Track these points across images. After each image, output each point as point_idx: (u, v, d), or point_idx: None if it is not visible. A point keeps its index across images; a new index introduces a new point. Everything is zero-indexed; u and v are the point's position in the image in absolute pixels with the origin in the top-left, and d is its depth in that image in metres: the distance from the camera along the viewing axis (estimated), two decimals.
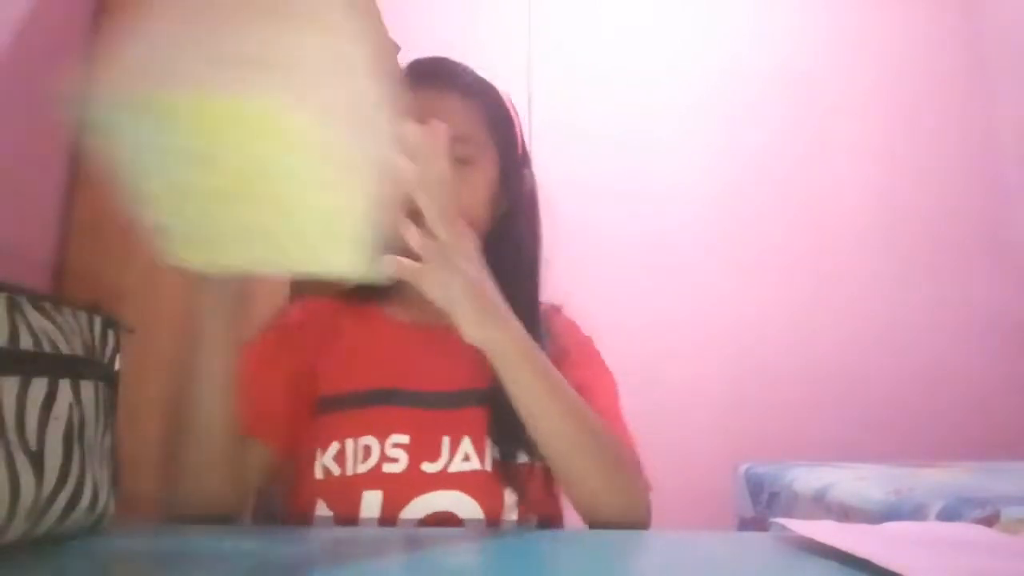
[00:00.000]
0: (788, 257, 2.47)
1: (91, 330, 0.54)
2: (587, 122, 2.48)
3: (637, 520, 0.71)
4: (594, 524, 0.70)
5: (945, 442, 2.25)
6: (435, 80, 0.85)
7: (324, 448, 0.75)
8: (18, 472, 0.45)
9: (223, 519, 0.70)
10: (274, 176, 0.46)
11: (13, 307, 0.47)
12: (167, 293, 1.16)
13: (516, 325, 0.69)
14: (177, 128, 0.43)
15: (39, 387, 0.48)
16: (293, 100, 0.43)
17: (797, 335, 2.41)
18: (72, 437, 0.50)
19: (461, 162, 0.81)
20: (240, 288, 0.67)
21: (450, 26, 2.46)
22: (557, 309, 0.92)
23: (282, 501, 0.86)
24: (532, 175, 0.92)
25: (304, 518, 0.75)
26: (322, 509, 0.74)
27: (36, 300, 0.49)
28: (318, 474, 0.75)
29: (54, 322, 0.50)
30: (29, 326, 0.48)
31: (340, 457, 0.74)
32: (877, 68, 2.63)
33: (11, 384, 0.46)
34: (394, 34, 1.92)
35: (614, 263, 2.39)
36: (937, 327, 2.44)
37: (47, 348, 0.49)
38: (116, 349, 0.57)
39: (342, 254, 0.50)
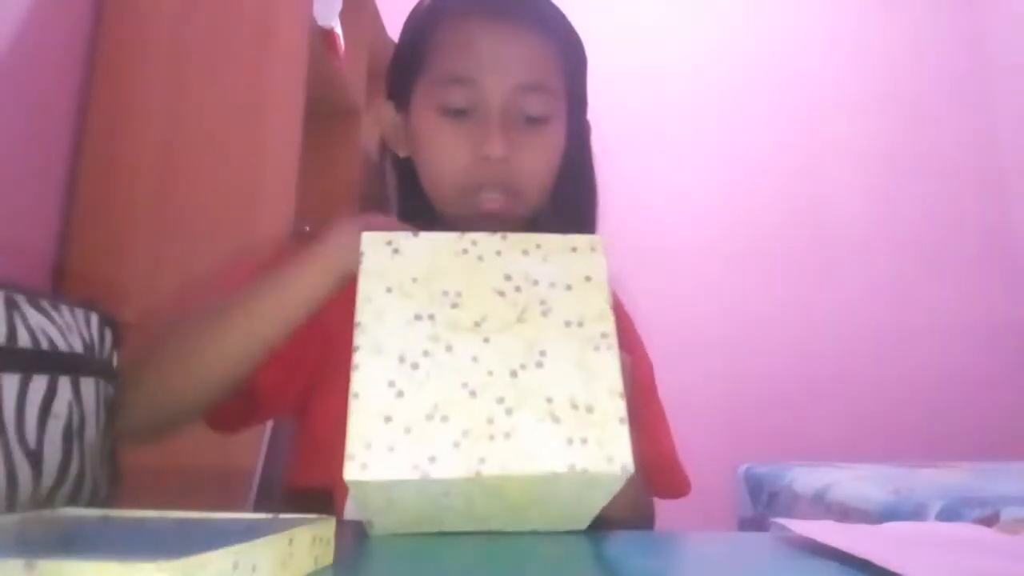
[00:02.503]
0: (788, 257, 2.47)
1: (88, 327, 0.54)
2: None
3: (644, 518, 0.68)
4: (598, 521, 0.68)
5: (945, 442, 2.25)
6: (504, 7, 0.71)
7: None
8: (16, 470, 0.45)
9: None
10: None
11: (10, 305, 0.47)
12: (167, 292, 1.16)
13: None
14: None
15: (39, 385, 0.47)
16: None
17: (797, 335, 2.41)
18: (71, 435, 0.49)
19: (532, 121, 0.70)
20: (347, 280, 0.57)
21: None
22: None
23: (285, 477, 0.82)
24: (589, 126, 0.81)
25: (326, 498, 0.67)
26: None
27: (33, 297, 0.49)
28: None
29: (52, 320, 0.50)
30: (27, 324, 0.48)
31: None
32: (878, 69, 2.63)
33: (11, 382, 0.45)
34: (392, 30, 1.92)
35: (613, 263, 2.38)
36: (937, 327, 2.44)
37: (45, 346, 0.49)
38: (114, 346, 0.57)
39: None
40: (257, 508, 0.92)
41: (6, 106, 1.07)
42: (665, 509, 0.78)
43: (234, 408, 0.69)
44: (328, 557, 0.42)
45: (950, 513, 1.17)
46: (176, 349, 0.63)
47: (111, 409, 0.56)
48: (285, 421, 0.90)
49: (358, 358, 0.45)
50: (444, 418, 0.43)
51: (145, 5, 1.26)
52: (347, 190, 1.66)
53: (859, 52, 2.64)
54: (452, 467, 0.42)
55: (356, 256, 0.53)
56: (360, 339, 0.45)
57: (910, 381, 2.38)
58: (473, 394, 0.44)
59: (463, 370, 0.45)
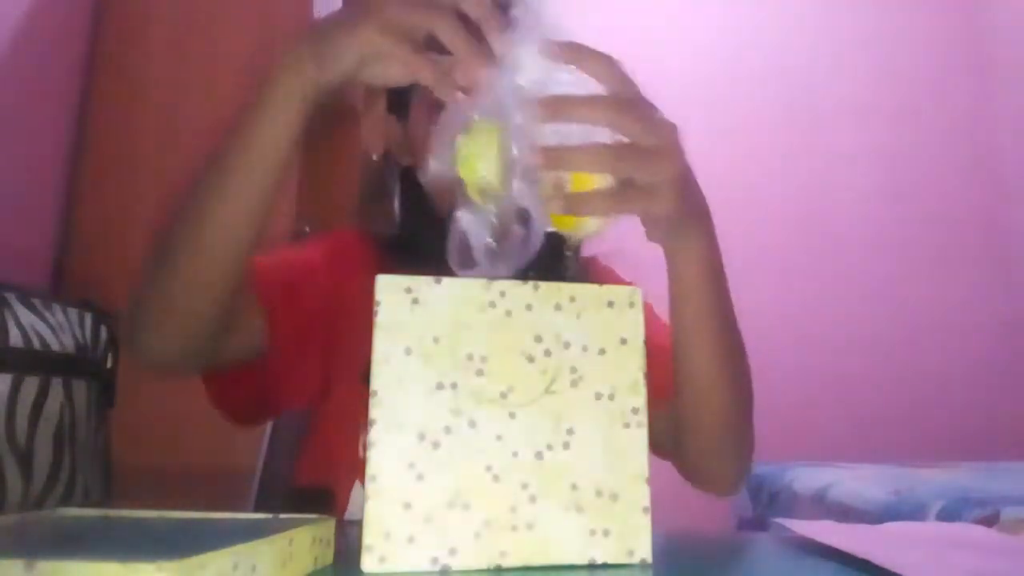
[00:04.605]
0: (788, 257, 2.47)
1: (82, 327, 0.54)
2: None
3: (737, 485, 0.70)
4: (698, 480, 0.68)
5: (945, 442, 2.25)
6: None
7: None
8: (4, 471, 0.44)
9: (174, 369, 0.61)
10: None
11: (2, 304, 0.47)
12: None
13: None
14: None
15: (31, 386, 0.47)
16: None
17: (797, 335, 2.41)
18: (63, 436, 0.49)
19: None
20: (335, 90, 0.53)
21: None
22: (591, 258, 0.87)
23: (288, 474, 0.82)
24: None
25: (329, 496, 0.67)
26: (359, 491, 0.67)
27: (25, 296, 0.49)
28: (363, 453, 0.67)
29: (44, 319, 0.50)
30: (19, 323, 0.47)
31: None
32: (878, 68, 2.63)
33: (3, 382, 0.45)
34: None
35: (613, 263, 2.38)
36: (937, 327, 2.43)
37: (37, 346, 0.48)
38: (109, 346, 0.56)
39: None
40: (257, 508, 0.91)
41: (6, 106, 1.07)
42: (664, 509, 0.78)
43: (249, 396, 0.68)
44: (328, 557, 0.42)
45: (950, 513, 1.17)
46: (167, 261, 0.59)
47: (103, 410, 0.56)
48: (286, 420, 0.90)
49: (374, 434, 0.42)
50: (466, 505, 0.42)
51: (145, 5, 1.26)
52: (347, 190, 1.65)
53: (860, 51, 2.64)
54: (472, 560, 0.41)
55: (314, 67, 0.51)
56: (376, 411, 0.42)
57: (910, 381, 2.38)
58: (496, 478, 0.43)
59: (487, 450, 0.43)
